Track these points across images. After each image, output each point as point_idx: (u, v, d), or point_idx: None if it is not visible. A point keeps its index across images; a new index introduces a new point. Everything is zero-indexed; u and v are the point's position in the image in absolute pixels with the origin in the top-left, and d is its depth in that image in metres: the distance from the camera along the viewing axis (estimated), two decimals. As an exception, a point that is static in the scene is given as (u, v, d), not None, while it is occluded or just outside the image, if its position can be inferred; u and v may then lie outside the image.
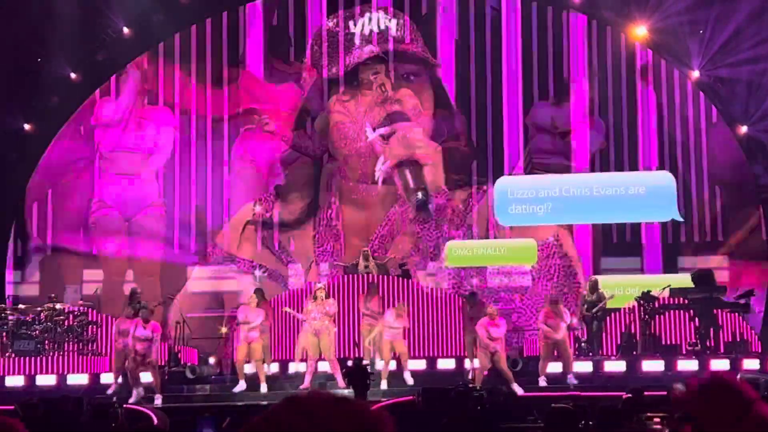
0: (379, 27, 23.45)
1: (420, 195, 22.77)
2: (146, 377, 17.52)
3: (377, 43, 23.50)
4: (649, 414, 6.90)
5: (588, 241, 22.95)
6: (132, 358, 17.34)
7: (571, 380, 17.20)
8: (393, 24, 23.48)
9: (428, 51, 23.58)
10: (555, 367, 17.89)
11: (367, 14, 23.58)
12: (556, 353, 17.55)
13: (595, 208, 22.25)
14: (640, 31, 22.86)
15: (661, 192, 22.01)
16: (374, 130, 23.11)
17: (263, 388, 17.69)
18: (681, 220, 21.91)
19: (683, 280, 20.49)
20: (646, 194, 22.04)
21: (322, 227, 23.49)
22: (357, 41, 23.46)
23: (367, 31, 23.43)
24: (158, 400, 17.12)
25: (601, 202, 22.20)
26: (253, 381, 18.00)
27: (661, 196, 21.99)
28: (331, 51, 23.68)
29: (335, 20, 23.76)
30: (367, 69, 23.48)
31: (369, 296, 18.83)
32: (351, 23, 23.60)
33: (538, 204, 22.36)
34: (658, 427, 6.46)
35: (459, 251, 22.63)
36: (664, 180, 22.12)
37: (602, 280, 20.19)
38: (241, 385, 17.81)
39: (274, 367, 19.23)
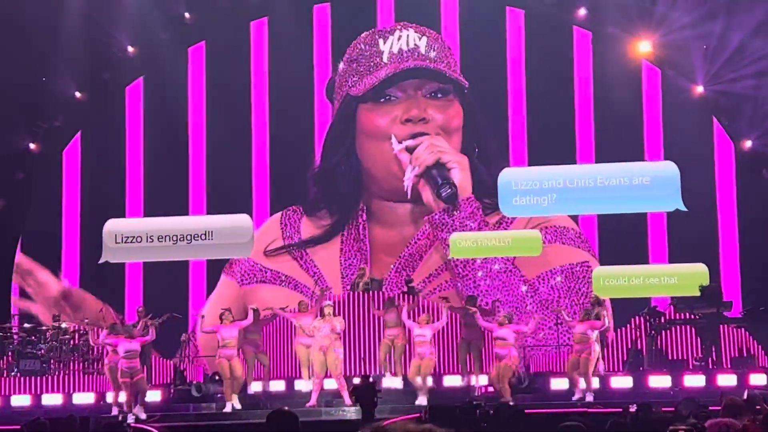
0: (408, 45, 23.29)
1: (449, 188, 22.56)
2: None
3: (407, 59, 23.29)
4: (672, 427, 6.83)
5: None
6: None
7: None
8: (423, 43, 23.33)
9: (459, 71, 23.44)
10: (562, 384, 17.94)
11: (397, 32, 23.48)
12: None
13: (600, 199, 22.05)
14: (644, 47, 22.86)
15: (665, 182, 21.79)
16: (400, 142, 22.90)
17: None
18: (685, 209, 21.73)
19: (691, 271, 20.57)
20: (651, 184, 21.85)
21: (349, 244, 23.34)
22: (385, 59, 23.28)
23: (396, 49, 23.28)
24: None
25: (605, 192, 21.99)
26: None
27: (665, 186, 21.79)
28: (360, 68, 23.48)
29: (366, 38, 23.62)
30: (395, 87, 23.27)
31: (387, 310, 19.01)
32: (381, 41, 23.46)
33: (542, 195, 22.08)
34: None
35: (463, 243, 22.31)
36: (669, 170, 21.90)
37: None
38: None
39: (281, 385, 19.17)
